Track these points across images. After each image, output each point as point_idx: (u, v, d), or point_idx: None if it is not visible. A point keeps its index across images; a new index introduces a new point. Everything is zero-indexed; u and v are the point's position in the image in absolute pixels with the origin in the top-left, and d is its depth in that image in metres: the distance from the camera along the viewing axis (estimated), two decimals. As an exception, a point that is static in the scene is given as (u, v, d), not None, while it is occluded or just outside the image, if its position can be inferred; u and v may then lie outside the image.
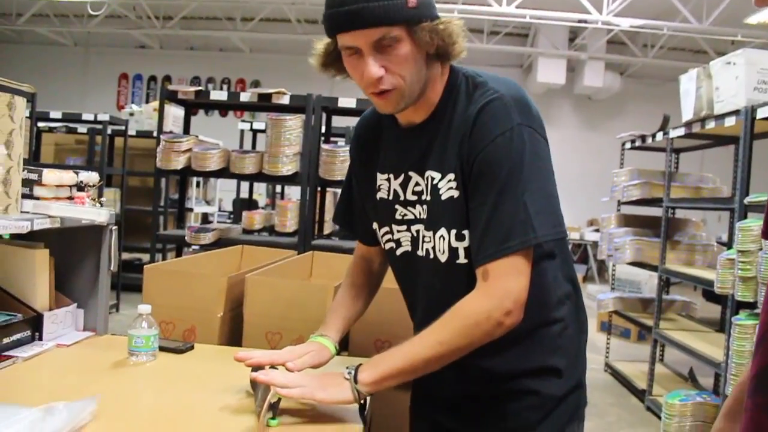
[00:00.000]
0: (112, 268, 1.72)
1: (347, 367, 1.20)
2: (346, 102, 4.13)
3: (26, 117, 4.71)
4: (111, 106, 12.23)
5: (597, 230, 8.32)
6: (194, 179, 7.84)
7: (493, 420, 1.35)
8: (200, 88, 4.26)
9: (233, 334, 1.97)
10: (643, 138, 4.96)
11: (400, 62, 1.16)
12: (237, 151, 4.18)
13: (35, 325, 1.58)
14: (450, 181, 1.22)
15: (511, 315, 1.16)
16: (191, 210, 7.97)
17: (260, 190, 9.27)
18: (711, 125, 3.82)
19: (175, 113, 5.95)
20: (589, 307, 6.35)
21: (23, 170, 1.49)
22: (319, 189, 4.51)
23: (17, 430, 1.01)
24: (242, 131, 7.28)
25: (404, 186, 1.31)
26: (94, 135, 6.94)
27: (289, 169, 4.00)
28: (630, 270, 6.17)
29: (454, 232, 1.23)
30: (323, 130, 4.55)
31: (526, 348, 1.30)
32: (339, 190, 5.71)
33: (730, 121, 3.58)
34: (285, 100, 4.07)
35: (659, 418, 3.80)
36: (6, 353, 1.47)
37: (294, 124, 3.97)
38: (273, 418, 1.17)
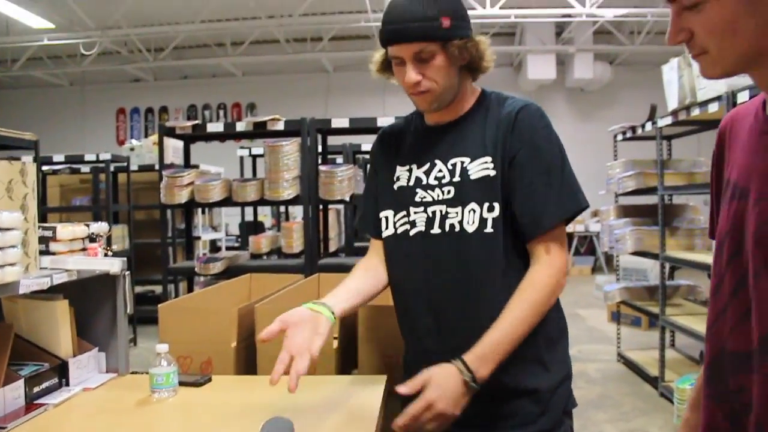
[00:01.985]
0: (129, 312, 1.82)
1: (462, 372, 1.32)
2: (339, 122, 4.24)
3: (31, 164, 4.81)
4: (111, 141, 12.40)
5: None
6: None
7: (495, 419, 1.46)
8: (197, 122, 4.38)
9: (248, 362, 2.06)
10: (633, 129, 5.05)
11: (435, 71, 1.42)
12: (238, 180, 4.29)
13: (62, 372, 1.68)
14: (485, 163, 1.45)
15: (565, 277, 1.43)
16: (198, 238, 8.07)
17: (265, 211, 9.37)
18: (696, 112, 3.90)
19: (174, 145, 6.06)
20: (598, 299, 6.41)
21: (38, 228, 1.60)
22: (321, 208, 4.62)
23: (57, 474, 1.10)
24: (241, 157, 7.40)
25: (428, 173, 1.51)
26: (97, 173, 7.07)
27: (290, 192, 4.10)
28: (636, 258, 6.24)
29: (486, 205, 1.43)
30: (320, 150, 4.66)
31: (527, 341, 1.41)
32: (340, 208, 5.82)
33: (713, 107, 3.66)
34: (280, 126, 4.18)
35: (673, 403, 3.87)
36: (37, 401, 1.57)
37: (291, 148, 4.07)
38: None
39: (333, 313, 1.47)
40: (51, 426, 1.45)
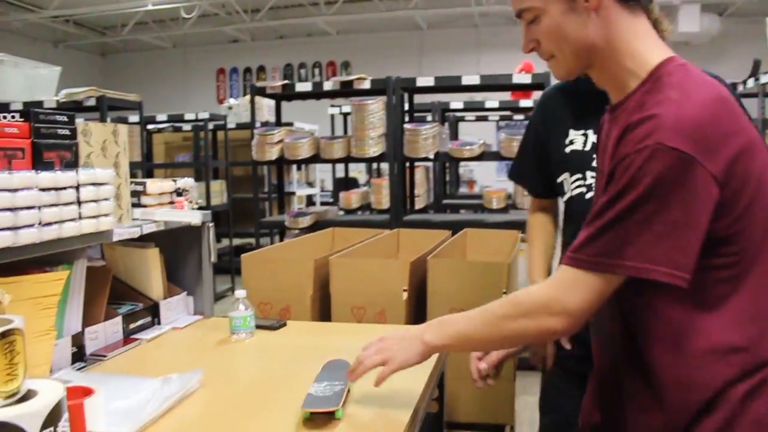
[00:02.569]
0: (213, 260, 1.98)
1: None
2: (425, 81, 4.27)
3: (135, 123, 5.14)
4: (212, 100, 12.88)
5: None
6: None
7: None
8: (286, 81, 4.53)
9: (323, 310, 2.20)
10: (734, 85, 4.80)
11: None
12: (325, 137, 4.42)
13: (154, 312, 1.87)
14: None
15: None
16: (293, 194, 8.36)
17: (360, 167, 9.56)
18: (801, 66, 3.68)
19: (269, 103, 6.29)
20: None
21: (131, 183, 1.76)
22: (408, 165, 4.71)
23: (143, 396, 1.26)
24: (332, 115, 7.56)
25: None
26: (198, 132, 7.42)
27: (375, 150, 4.20)
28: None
29: None
30: (406, 108, 4.72)
31: None
32: (429, 165, 5.89)
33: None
34: (366, 85, 4.26)
35: None
36: (133, 336, 1.76)
37: (376, 107, 4.15)
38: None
39: None
40: (144, 357, 1.63)
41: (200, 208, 2.02)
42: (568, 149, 1.60)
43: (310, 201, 9.34)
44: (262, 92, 4.47)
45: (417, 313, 2.20)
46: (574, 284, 1.01)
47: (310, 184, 9.52)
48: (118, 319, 1.72)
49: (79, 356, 1.57)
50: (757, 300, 1.00)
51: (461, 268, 2.20)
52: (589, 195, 1.56)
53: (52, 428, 1.00)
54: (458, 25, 11.73)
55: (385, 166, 7.91)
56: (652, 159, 0.94)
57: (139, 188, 1.78)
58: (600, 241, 0.99)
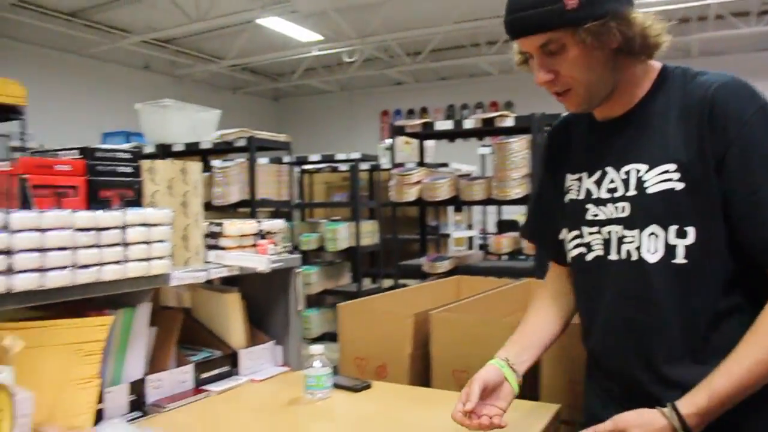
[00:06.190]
0: (299, 308, 1.83)
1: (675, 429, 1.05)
2: (573, 117, 3.94)
3: (285, 162, 5.23)
4: (376, 141, 13.15)
5: None
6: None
7: None
8: (426, 120, 4.38)
9: (423, 371, 1.95)
10: None
11: (569, 66, 1.13)
12: (465, 178, 4.21)
13: (233, 361, 1.74)
14: (665, 173, 1.12)
15: None
16: (448, 236, 8.19)
17: (523, 210, 9.24)
18: None
19: (428, 144, 6.15)
20: None
21: (209, 224, 1.67)
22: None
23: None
24: (483, 156, 7.33)
25: (599, 183, 1.23)
26: (353, 172, 7.52)
27: (518, 192, 3.92)
28: None
29: (674, 228, 1.11)
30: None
31: None
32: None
33: None
34: (509, 123, 4.01)
35: None
36: (205, 387, 1.64)
37: (518, 146, 3.88)
38: None
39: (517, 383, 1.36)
40: (203, 413, 1.50)
41: (300, 251, 1.89)
42: (567, 198, 1.29)
43: (470, 243, 9.13)
44: (402, 132, 4.37)
45: (528, 382, 1.89)
46: None
47: (470, 227, 9.32)
48: (189, 367, 1.61)
49: (137, 405, 1.47)
50: None
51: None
52: (590, 256, 1.24)
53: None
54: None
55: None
56: None
57: (217, 229, 1.67)
58: None
